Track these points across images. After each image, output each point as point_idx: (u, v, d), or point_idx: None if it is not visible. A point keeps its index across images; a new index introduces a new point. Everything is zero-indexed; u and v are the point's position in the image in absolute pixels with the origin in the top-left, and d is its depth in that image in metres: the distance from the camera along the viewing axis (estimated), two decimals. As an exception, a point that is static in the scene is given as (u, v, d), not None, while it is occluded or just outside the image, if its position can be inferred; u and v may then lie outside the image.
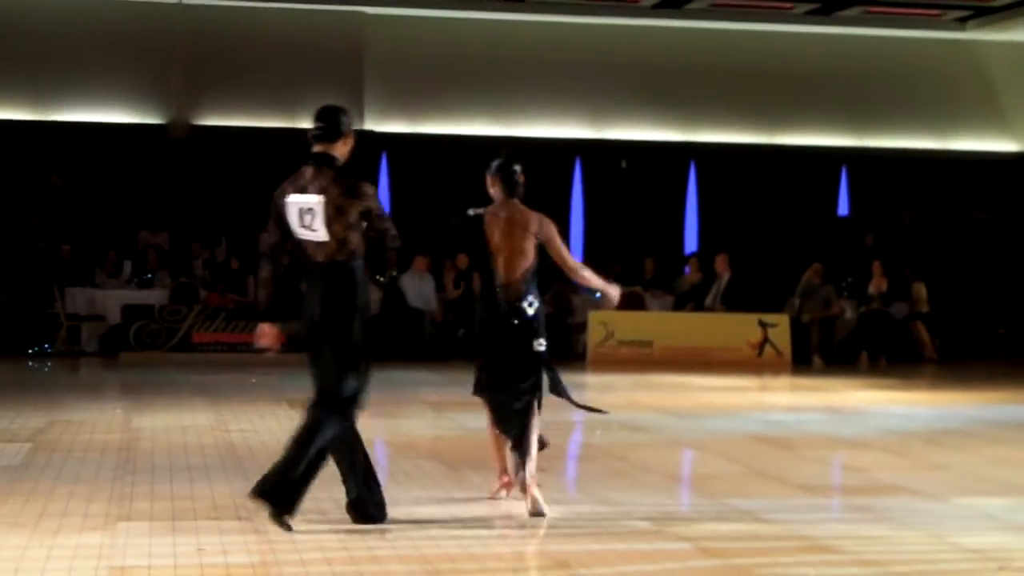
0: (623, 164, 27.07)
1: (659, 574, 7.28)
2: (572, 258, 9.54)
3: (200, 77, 25.87)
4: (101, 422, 13.52)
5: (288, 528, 8.15)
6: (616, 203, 26.74)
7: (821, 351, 23.37)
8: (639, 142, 27.13)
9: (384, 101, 26.44)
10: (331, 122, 8.70)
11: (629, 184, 27.04)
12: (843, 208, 28.25)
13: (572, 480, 10.84)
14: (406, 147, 26.34)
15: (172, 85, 25.77)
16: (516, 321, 9.17)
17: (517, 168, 9.34)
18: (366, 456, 8.59)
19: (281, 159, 26.91)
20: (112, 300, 22.61)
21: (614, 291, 9.62)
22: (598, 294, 9.85)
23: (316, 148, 8.70)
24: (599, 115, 27.13)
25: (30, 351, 22.02)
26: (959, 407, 16.63)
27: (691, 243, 27.51)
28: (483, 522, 8.59)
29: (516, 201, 9.32)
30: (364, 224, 8.48)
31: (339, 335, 8.47)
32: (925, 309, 24.48)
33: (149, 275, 23.38)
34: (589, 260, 26.53)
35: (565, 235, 26.59)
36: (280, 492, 8.26)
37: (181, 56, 25.75)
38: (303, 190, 8.53)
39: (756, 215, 27.26)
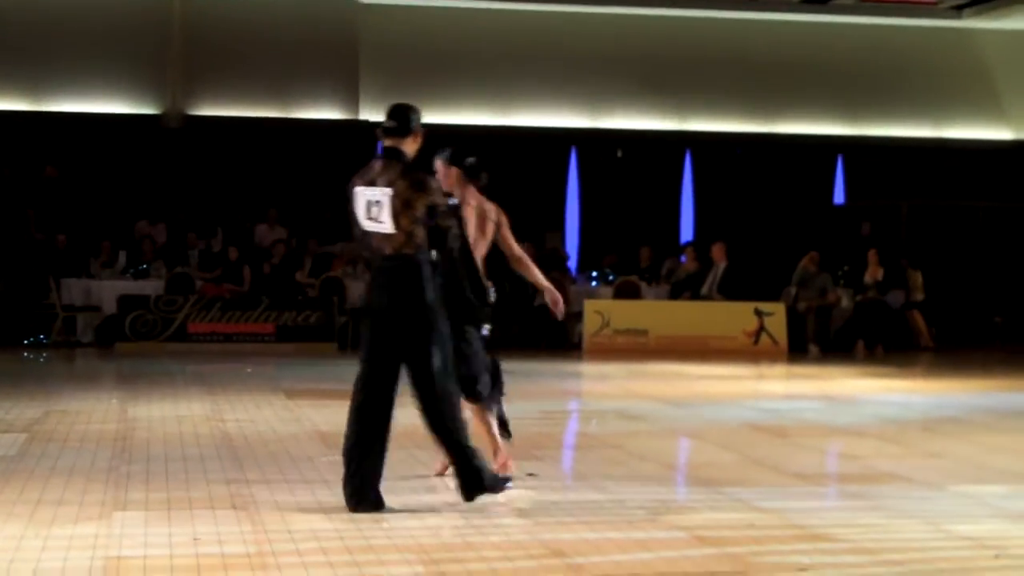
0: (619, 153, 27.06)
1: (655, 563, 7.28)
2: (515, 248, 9.85)
3: (195, 67, 25.85)
4: (97, 412, 13.52)
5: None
6: (612, 192, 26.73)
7: (817, 340, 23.37)
8: (635, 131, 27.12)
9: (379, 91, 26.38)
10: (402, 119, 8.94)
11: (625, 173, 27.04)
12: (839, 197, 28.25)
13: (568, 469, 10.84)
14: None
15: (168, 75, 25.75)
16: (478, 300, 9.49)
17: (471, 158, 9.66)
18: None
19: (276, 149, 27.23)
20: (108, 290, 22.59)
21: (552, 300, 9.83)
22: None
23: (386, 142, 8.89)
24: (595, 104, 27.12)
25: (26, 342, 22.01)
26: (955, 395, 16.64)
27: (687, 232, 27.50)
28: (479, 511, 8.59)
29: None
30: (431, 218, 8.63)
31: (412, 327, 8.59)
32: (921, 297, 24.49)
33: (145, 265, 23.36)
34: (585, 249, 26.67)
35: (561, 224, 26.76)
36: (472, 478, 8.65)
37: (176, 46, 25.73)
38: (372, 183, 8.72)
39: (752, 204, 27.26)
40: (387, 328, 8.65)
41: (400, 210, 8.56)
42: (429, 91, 26.46)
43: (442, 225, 8.71)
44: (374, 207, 8.63)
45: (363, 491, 8.55)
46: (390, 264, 8.66)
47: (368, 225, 8.67)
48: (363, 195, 8.69)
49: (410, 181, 8.62)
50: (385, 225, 8.60)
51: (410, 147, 8.87)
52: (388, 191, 8.59)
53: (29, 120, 25.21)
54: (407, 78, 26.47)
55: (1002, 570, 7.32)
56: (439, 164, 9.58)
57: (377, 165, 8.78)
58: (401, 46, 26.44)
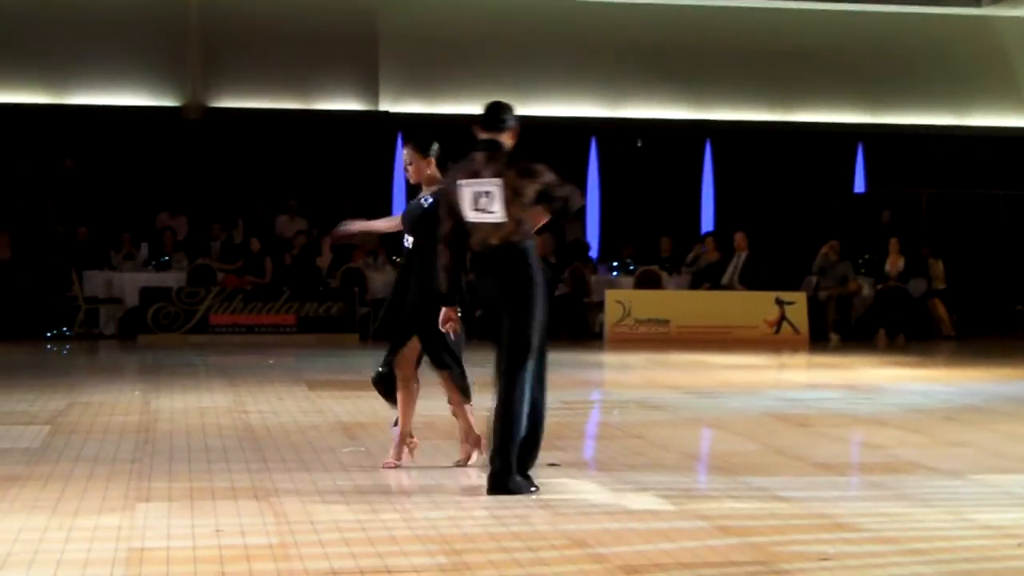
0: (639, 143, 27.04)
1: (677, 553, 7.28)
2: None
3: (215, 59, 25.91)
4: (120, 404, 13.55)
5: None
6: (632, 182, 26.72)
7: (838, 328, 23.35)
8: (655, 121, 27.11)
9: (399, 81, 26.43)
10: (501, 114, 9.14)
11: (645, 163, 27.02)
12: (859, 185, 28.22)
13: (590, 459, 10.83)
14: (421, 127, 26.31)
15: (187, 67, 25.79)
16: None
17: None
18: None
19: (296, 140, 27.27)
20: (130, 283, 22.67)
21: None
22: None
23: (484, 136, 9.07)
24: (614, 94, 27.12)
25: (49, 334, 22.08)
26: (977, 384, 16.60)
27: (707, 222, 27.49)
28: (501, 501, 8.59)
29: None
30: (544, 200, 8.84)
31: (520, 315, 8.80)
32: (942, 286, 24.45)
33: (166, 257, 23.41)
34: (606, 239, 26.66)
35: (581, 214, 26.71)
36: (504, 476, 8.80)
37: (196, 38, 25.78)
38: (476, 174, 8.89)
39: (772, 193, 27.23)
40: (499, 318, 8.90)
41: (511, 198, 8.77)
42: (448, 81, 26.52)
43: (562, 196, 8.90)
44: (483, 198, 8.82)
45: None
46: (498, 253, 8.85)
47: (475, 216, 8.82)
48: (469, 188, 8.85)
49: (518, 170, 8.84)
50: (496, 214, 8.80)
51: (508, 141, 9.07)
52: (497, 181, 8.81)
53: (49, 113, 25.29)
54: (426, 69, 26.51)
55: (1025, 559, 7.31)
56: (409, 151, 9.63)
57: (479, 157, 8.94)
58: (420, 36, 26.46)
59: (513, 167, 8.85)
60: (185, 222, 24.89)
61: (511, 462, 8.79)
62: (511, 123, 9.11)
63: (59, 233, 23.74)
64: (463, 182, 8.88)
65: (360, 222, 10.20)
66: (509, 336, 8.84)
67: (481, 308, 9.07)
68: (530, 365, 8.85)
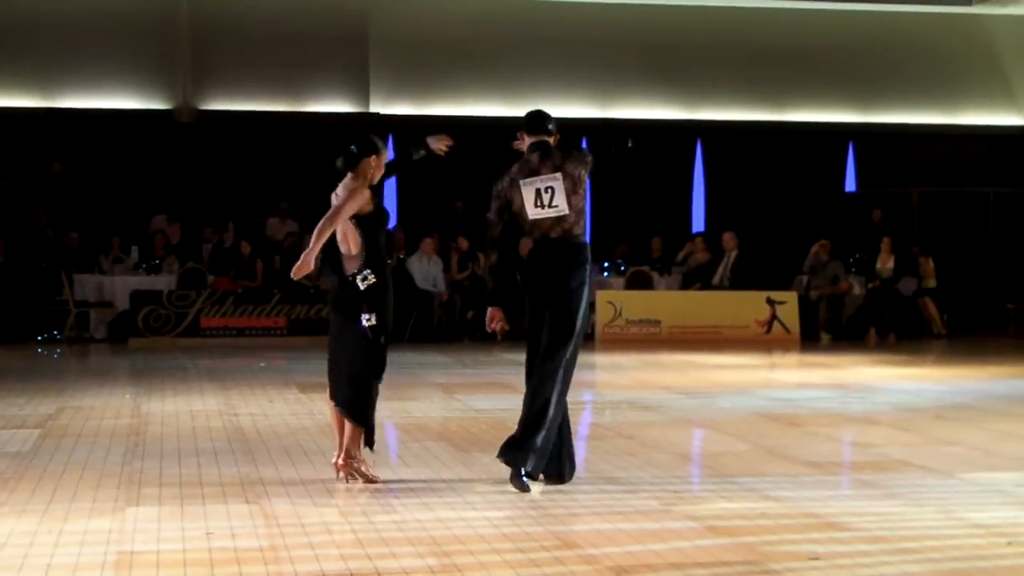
0: (629, 143, 27.02)
1: (667, 553, 7.28)
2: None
3: (206, 62, 25.89)
4: (110, 408, 13.55)
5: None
6: (623, 182, 26.72)
7: (829, 328, 23.37)
8: (645, 121, 27.11)
9: (389, 83, 26.43)
10: (546, 118, 9.69)
11: (636, 163, 27.02)
12: (850, 184, 28.23)
13: (581, 459, 10.84)
14: (412, 129, 26.21)
15: (178, 70, 25.77)
16: (349, 291, 9.40)
17: (353, 145, 9.51)
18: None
19: (287, 142, 27.23)
20: (120, 286, 22.65)
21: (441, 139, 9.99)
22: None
23: (531, 139, 9.59)
24: (605, 94, 27.12)
25: (39, 338, 22.07)
26: (968, 382, 16.62)
27: (698, 221, 27.50)
28: (492, 503, 8.60)
29: (353, 175, 9.48)
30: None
31: (571, 304, 9.25)
32: (933, 284, 24.47)
33: (157, 261, 23.39)
34: (597, 239, 26.63)
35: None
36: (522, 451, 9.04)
37: (187, 41, 25.77)
38: (535, 172, 9.35)
39: (763, 192, 27.25)
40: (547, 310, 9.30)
41: (571, 190, 9.29)
42: (439, 83, 26.52)
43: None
44: (545, 194, 9.27)
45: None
46: (558, 247, 9.32)
47: (538, 213, 9.27)
48: (531, 185, 9.30)
49: (574, 159, 9.42)
50: (559, 207, 9.26)
51: (553, 143, 9.60)
52: (557, 175, 9.29)
53: (40, 116, 25.26)
54: (417, 70, 26.51)
55: (1015, 557, 7.31)
56: (376, 159, 9.54)
57: (534, 157, 9.41)
58: (411, 38, 26.45)
59: (570, 157, 9.38)
60: (178, 228, 24.86)
61: (528, 445, 8.98)
62: (553, 127, 9.61)
63: (49, 237, 23.70)
64: (524, 181, 9.30)
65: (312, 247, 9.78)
66: (554, 324, 9.20)
67: (529, 303, 9.43)
68: (567, 354, 9.14)
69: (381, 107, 26.28)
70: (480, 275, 23.12)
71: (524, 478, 9.00)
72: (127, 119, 25.58)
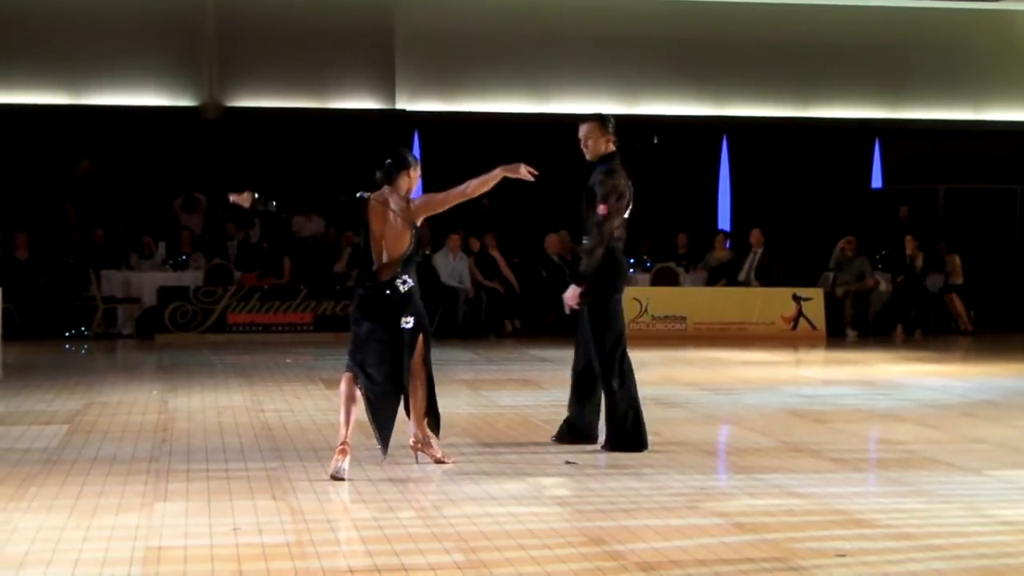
0: (655, 139, 27.02)
1: (694, 550, 7.28)
2: (457, 188, 9.89)
3: (232, 58, 25.94)
4: (137, 403, 13.59)
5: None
6: (649, 178, 26.67)
7: (855, 324, 23.31)
8: (671, 117, 27.08)
9: (416, 79, 26.44)
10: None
11: (661, 159, 27.00)
12: (877, 181, 28.16)
13: (607, 456, 10.84)
14: (438, 125, 26.35)
15: (204, 67, 25.83)
16: (389, 294, 9.60)
17: (389, 160, 9.78)
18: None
19: (313, 139, 27.25)
20: (147, 282, 22.69)
21: (514, 169, 9.93)
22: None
23: (617, 145, 10.87)
24: (632, 90, 27.09)
25: (67, 334, 22.12)
26: (995, 379, 16.57)
27: (724, 218, 27.46)
28: (518, 499, 8.61)
29: (393, 188, 9.75)
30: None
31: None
32: (960, 281, 24.38)
33: (184, 257, 23.44)
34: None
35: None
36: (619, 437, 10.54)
37: (213, 37, 25.81)
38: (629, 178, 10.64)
39: (789, 189, 27.20)
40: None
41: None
42: (465, 79, 26.53)
43: None
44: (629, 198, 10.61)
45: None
46: (613, 247, 10.71)
47: (624, 215, 10.63)
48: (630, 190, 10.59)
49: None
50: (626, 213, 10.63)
51: None
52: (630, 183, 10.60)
53: (67, 113, 25.33)
54: (443, 67, 26.52)
55: (1043, 554, 7.30)
56: (412, 172, 9.76)
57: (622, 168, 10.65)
58: (437, 34, 26.46)
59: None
60: (199, 218, 24.88)
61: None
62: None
63: (75, 234, 23.77)
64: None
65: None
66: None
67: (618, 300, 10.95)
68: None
69: (407, 103, 26.30)
70: (506, 277, 23.22)
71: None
72: (154, 116, 25.64)
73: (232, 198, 9.81)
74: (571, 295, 10.60)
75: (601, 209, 10.34)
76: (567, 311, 10.82)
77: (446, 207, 9.93)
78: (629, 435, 10.42)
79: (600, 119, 10.72)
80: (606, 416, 10.58)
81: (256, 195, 9.84)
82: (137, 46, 25.66)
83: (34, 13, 25.37)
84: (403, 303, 9.59)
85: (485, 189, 9.93)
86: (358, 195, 9.76)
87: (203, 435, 11.44)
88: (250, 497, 8.68)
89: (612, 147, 10.62)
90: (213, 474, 9.52)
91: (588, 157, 10.69)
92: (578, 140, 10.69)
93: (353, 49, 26.09)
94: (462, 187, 9.85)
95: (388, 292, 9.58)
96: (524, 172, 9.80)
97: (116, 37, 25.56)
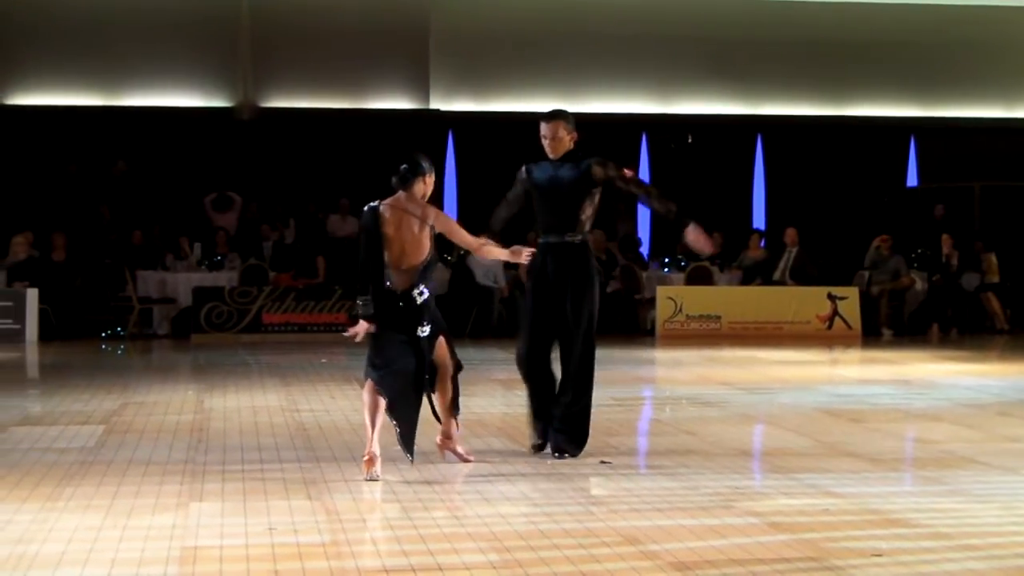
0: (689, 138, 26.99)
1: (729, 549, 7.27)
2: (471, 239, 9.89)
3: (266, 59, 26.01)
4: (173, 403, 13.63)
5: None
6: (683, 178, 26.66)
7: (891, 323, 23.23)
8: (705, 116, 27.05)
9: (450, 79, 26.47)
10: None
11: (695, 158, 26.97)
12: (912, 179, 28.06)
13: (642, 455, 10.83)
14: (472, 125, 26.37)
15: (239, 67, 25.91)
16: (403, 305, 9.55)
17: (404, 165, 9.74)
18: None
19: (348, 139, 27.31)
20: (183, 283, 22.78)
21: (517, 253, 9.98)
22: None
23: None
24: (665, 89, 27.07)
25: (103, 334, 22.21)
26: (1032, 378, 16.51)
27: (759, 217, 27.40)
28: (552, 499, 8.61)
29: (409, 194, 9.69)
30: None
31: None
32: (996, 280, 24.28)
33: (219, 257, 23.51)
34: (656, 236, 26.62)
35: (632, 211, 26.58)
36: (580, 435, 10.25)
37: (247, 38, 25.89)
38: None
39: (824, 188, 27.13)
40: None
41: None
42: (498, 79, 26.54)
43: None
44: None
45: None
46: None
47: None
48: None
49: None
50: None
51: None
52: None
53: (102, 115, 25.44)
54: (477, 66, 26.55)
55: (1080, 554, 7.26)
56: (427, 179, 9.77)
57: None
58: (471, 34, 26.49)
59: None
60: (233, 217, 24.96)
61: None
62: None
63: (112, 234, 23.87)
64: None
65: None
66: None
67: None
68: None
69: (441, 103, 26.33)
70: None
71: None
72: (189, 117, 25.74)
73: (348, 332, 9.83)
74: (703, 236, 10.73)
75: (627, 172, 10.47)
76: (706, 253, 10.94)
77: (453, 240, 9.83)
78: (586, 433, 10.26)
79: (566, 116, 10.59)
80: (577, 414, 10.19)
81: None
82: (171, 47, 25.76)
83: (69, 15, 25.49)
84: (418, 313, 9.52)
85: (490, 257, 10.28)
86: (366, 207, 9.69)
87: (239, 435, 11.47)
88: (285, 497, 8.69)
89: (573, 145, 10.43)
90: (248, 474, 9.54)
91: (552, 155, 10.50)
92: (562, 139, 10.51)
93: (387, 49, 26.13)
94: (476, 240, 9.86)
95: (401, 304, 9.53)
96: (524, 258, 10.00)
97: (151, 38, 25.66)
